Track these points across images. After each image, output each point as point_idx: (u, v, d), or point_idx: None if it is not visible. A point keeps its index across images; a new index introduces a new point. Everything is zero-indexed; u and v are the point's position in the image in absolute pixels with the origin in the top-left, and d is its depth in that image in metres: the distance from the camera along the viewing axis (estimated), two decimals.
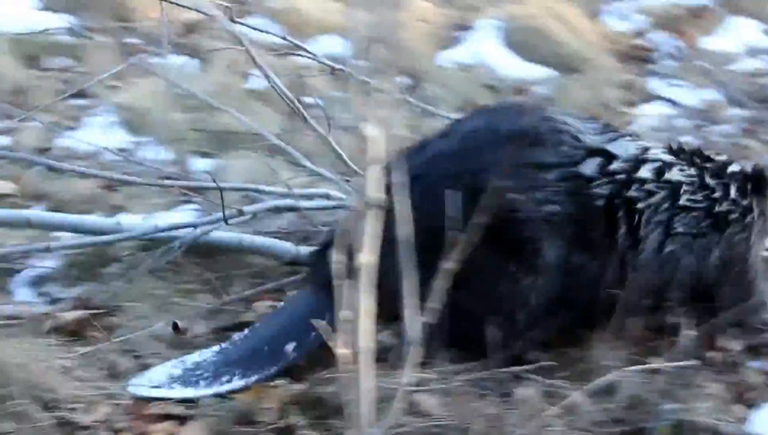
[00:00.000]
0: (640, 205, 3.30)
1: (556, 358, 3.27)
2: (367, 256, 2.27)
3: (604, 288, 3.27)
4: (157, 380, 3.18)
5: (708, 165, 3.48)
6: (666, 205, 3.34)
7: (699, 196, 3.40)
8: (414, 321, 2.30)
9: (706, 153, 3.54)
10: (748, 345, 3.46)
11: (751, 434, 3.05)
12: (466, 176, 3.19)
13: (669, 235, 3.34)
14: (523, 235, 3.20)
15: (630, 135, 3.50)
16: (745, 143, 5.15)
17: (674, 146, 3.52)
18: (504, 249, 3.18)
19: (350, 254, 2.76)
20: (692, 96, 5.82)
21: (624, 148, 3.35)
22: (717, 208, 3.41)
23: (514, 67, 6.08)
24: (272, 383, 3.16)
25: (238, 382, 3.17)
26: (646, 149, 3.41)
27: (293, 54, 4.82)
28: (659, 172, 3.37)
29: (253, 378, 3.18)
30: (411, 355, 2.32)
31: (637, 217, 3.30)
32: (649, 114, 5.39)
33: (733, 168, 3.51)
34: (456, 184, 3.11)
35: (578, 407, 3.01)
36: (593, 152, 3.30)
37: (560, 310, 3.28)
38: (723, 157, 3.55)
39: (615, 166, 3.31)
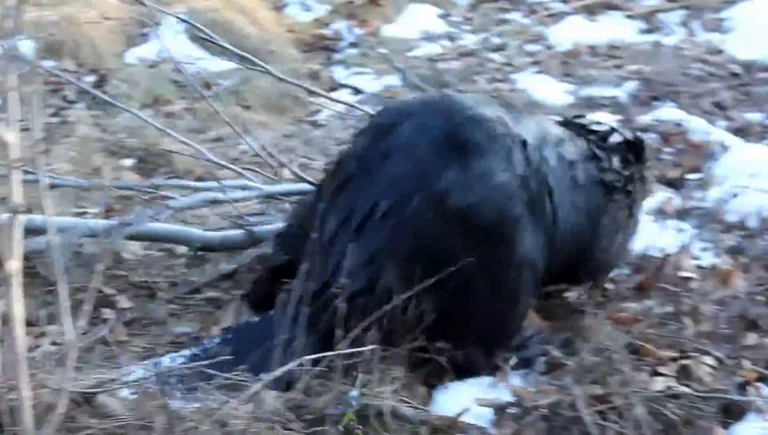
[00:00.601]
0: (551, 183, 3.36)
1: None
2: (14, 263, 2.22)
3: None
4: None
5: (592, 137, 3.64)
6: (566, 181, 3.44)
7: (591, 167, 3.54)
8: (70, 323, 2.28)
9: (589, 124, 3.71)
10: None
11: (430, 415, 3.11)
12: (429, 195, 3.18)
13: (573, 208, 3.44)
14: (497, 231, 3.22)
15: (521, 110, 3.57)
16: None
17: (562, 119, 3.72)
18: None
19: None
20: (375, 83, 5.99)
21: (529, 130, 3.40)
22: (605, 178, 3.57)
23: (201, 62, 6.05)
24: None
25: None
26: (542, 125, 3.51)
27: None
28: (558, 145, 3.46)
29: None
30: (70, 356, 2.29)
31: (550, 195, 3.36)
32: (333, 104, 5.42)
33: (615, 138, 3.69)
34: (422, 207, 3.16)
35: (260, 397, 3.01)
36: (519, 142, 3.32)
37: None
38: (604, 127, 3.72)
39: (529, 150, 3.34)
